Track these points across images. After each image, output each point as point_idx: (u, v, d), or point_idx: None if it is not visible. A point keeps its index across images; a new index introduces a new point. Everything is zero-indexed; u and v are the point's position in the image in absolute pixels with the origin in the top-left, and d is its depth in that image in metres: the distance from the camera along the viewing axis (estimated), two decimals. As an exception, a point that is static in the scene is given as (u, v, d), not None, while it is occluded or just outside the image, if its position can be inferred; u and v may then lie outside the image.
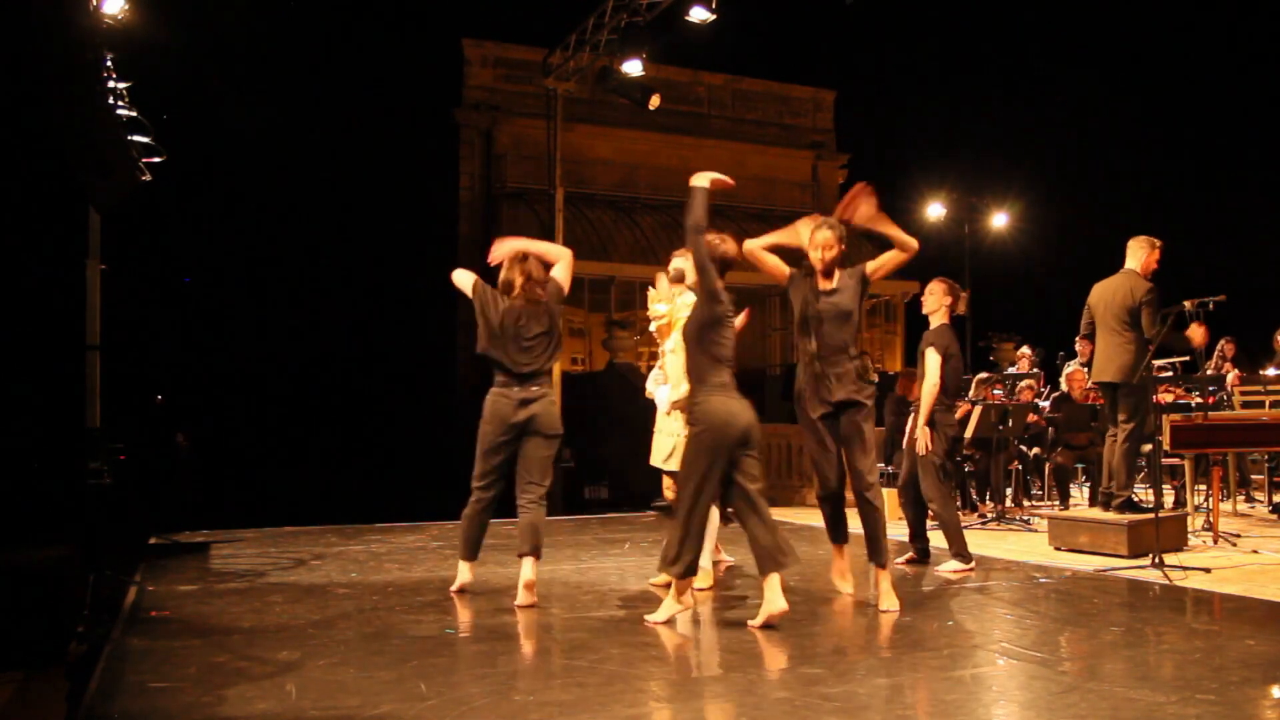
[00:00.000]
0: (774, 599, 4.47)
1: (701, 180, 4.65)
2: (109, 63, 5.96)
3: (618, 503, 11.33)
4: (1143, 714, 3.33)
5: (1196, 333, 6.96)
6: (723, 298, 4.61)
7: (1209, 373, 9.54)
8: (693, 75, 19.33)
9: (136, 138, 6.53)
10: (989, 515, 8.57)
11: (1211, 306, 7.17)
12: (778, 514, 9.51)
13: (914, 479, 6.36)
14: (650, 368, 6.59)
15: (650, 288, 5.82)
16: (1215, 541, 7.13)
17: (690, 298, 5.69)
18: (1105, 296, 7.01)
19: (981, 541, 7.49)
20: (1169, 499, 9.09)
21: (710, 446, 4.45)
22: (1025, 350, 11.54)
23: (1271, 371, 9.50)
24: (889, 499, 8.91)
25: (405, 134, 18.63)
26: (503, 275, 5.22)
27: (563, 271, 5.31)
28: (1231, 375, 9.40)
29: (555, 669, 3.98)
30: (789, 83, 20.56)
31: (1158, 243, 7.03)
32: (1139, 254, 6.99)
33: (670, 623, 4.66)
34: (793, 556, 4.54)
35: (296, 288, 17.08)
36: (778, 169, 20.16)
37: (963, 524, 8.40)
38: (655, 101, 11.81)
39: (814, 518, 9.25)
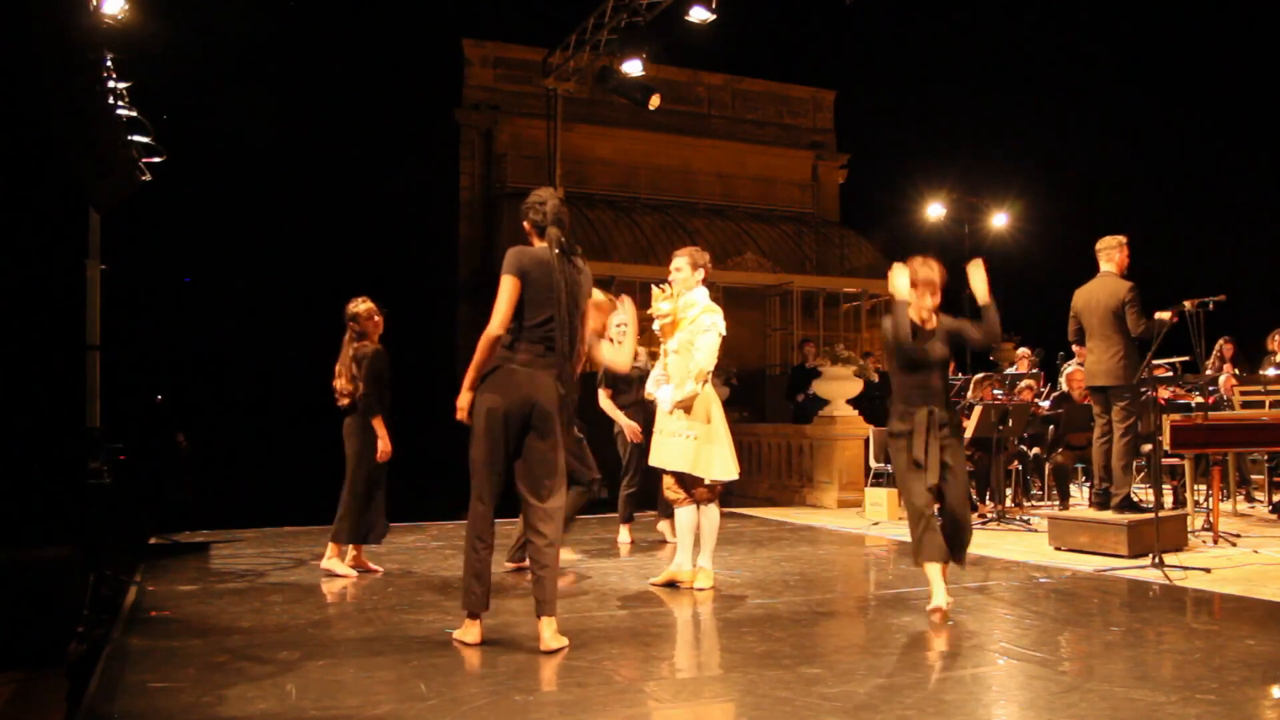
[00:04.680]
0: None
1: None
2: (109, 63, 5.96)
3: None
4: (1143, 714, 3.33)
5: (1163, 314, 6.96)
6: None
7: (1209, 373, 9.53)
8: (693, 75, 19.32)
9: (136, 138, 6.53)
10: (989, 515, 8.57)
11: (1211, 306, 7.18)
12: (777, 514, 9.53)
13: None
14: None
15: (655, 287, 5.81)
16: (1215, 541, 7.13)
17: (697, 296, 5.68)
18: (1089, 302, 7.07)
19: (981, 541, 7.48)
20: (1169, 499, 9.09)
21: None
22: (1024, 350, 11.56)
23: (1271, 371, 9.50)
24: (890, 499, 8.95)
25: (405, 134, 18.63)
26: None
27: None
28: (1225, 378, 9.39)
29: (555, 669, 3.98)
30: (789, 83, 20.56)
31: (1124, 239, 7.13)
32: (1113, 255, 7.08)
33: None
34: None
35: (296, 287, 17.08)
36: (778, 169, 20.15)
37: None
38: (655, 101, 11.82)
39: (814, 517, 9.25)
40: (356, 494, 6.05)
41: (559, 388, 4.25)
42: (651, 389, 5.96)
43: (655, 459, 5.66)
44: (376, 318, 6.22)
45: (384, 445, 6.03)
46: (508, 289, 4.23)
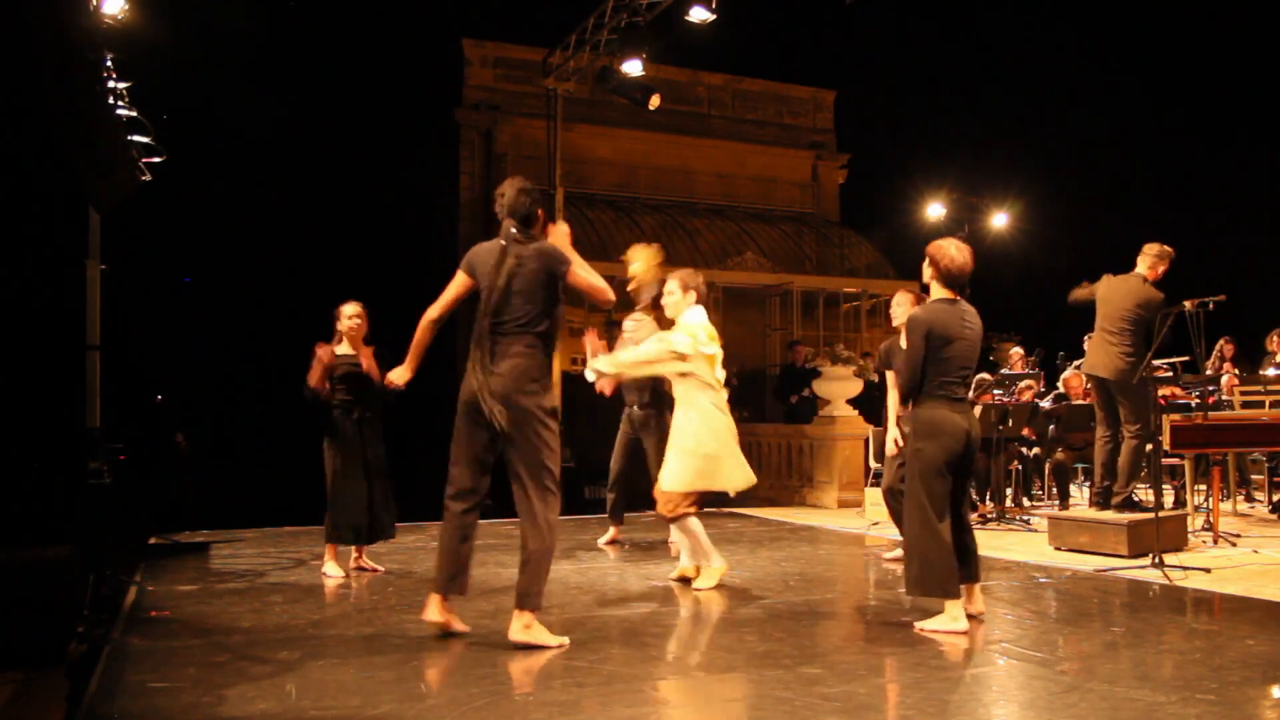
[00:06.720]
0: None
1: None
2: (109, 63, 5.96)
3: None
4: (1143, 714, 3.34)
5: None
6: None
7: (1209, 373, 9.53)
8: (693, 75, 19.29)
9: (136, 138, 6.53)
10: (989, 515, 8.56)
11: (1211, 306, 7.18)
12: (777, 514, 9.52)
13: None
14: None
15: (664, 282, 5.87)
16: (1215, 541, 7.13)
17: (688, 318, 5.67)
18: (1110, 294, 7.08)
19: (981, 541, 7.46)
20: (1169, 499, 9.09)
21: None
22: (1019, 351, 11.58)
23: (1271, 371, 9.50)
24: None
25: (405, 134, 18.61)
26: None
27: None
28: (1226, 378, 9.39)
29: (555, 669, 3.98)
30: (789, 83, 20.53)
31: (1171, 252, 7.11)
32: (1149, 261, 7.07)
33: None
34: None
35: (296, 288, 17.06)
36: (778, 169, 20.12)
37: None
38: (655, 101, 11.81)
39: (814, 517, 9.25)
40: (328, 493, 6.09)
41: (480, 379, 4.24)
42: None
43: (672, 482, 5.56)
44: (347, 321, 6.30)
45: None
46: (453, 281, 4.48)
